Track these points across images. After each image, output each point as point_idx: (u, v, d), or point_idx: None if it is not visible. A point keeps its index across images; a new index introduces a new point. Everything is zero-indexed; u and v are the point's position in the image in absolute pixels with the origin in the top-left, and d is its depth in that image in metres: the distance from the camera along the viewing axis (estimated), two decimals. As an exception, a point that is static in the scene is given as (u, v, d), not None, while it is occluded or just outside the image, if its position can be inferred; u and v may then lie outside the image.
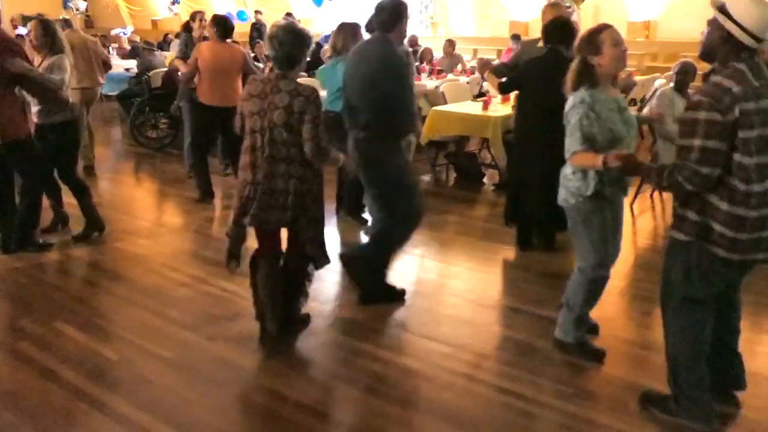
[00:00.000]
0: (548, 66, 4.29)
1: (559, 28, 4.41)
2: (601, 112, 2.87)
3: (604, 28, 2.96)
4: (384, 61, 3.57)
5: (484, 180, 6.79)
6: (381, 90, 3.53)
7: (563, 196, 3.08)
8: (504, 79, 4.82)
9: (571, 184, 3.02)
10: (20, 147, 4.38)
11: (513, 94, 6.74)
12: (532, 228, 4.79)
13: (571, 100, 2.95)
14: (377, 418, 2.85)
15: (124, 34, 15.18)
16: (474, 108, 6.64)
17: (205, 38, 5.99)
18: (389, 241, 3.88)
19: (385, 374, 3.14)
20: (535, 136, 4.40)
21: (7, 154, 4.35)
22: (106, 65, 7.01)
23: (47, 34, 4.60)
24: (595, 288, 3.16)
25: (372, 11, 3.63)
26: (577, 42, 3.08)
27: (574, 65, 2.98)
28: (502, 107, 6.63)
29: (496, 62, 7.58)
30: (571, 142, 2.89)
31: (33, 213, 4.62)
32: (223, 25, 5.64)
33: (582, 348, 3.26)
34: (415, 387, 3.05)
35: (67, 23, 6.77)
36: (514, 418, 2.82)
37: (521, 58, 5.06)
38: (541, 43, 4.66)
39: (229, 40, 5.72)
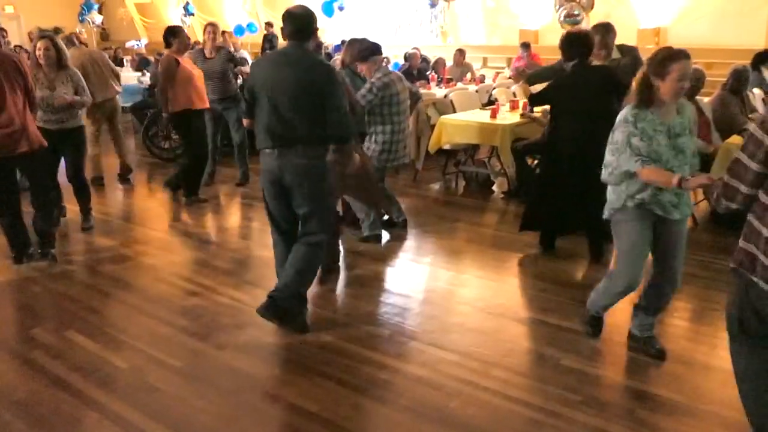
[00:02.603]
0: (578, 82, 4.32)
1: (578, 40, 4.36)
2: (646, 130, 2.89)
3: (681, 58, 2.83)
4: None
5: (494, 188, 6.79)
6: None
7: (605, 210, 3.21)
8: (532, 93, 4.79)
9: (608, 197, 3.16)
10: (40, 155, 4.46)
11: (522, 102, 6.81)
12: (558, 233, 4.85)
13: (617, 119, 3.00)
14: (385, 427, 2.85)
15: (138, 46, 15.38)
16: (482, 116, 6.66)
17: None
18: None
19: (392, 382, 3.15)
20: (569, 149, 4.41)
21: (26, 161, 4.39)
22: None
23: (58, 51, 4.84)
24: (619, 299, 3.34)
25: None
26: (651, 56, 2.94)
27: (638, 79, 2.96)
28: (510, 115, 6.64)
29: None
30: (624, 159, 2.93)
31: (49, 223, 4.72)
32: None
33: (589, 318, 3.51)
34: (423, 395, 3.05)
35: (70, 41, 6.83)
36: (521, 427, 2.81)
37: (562, 66, 4.93)
38: None
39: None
